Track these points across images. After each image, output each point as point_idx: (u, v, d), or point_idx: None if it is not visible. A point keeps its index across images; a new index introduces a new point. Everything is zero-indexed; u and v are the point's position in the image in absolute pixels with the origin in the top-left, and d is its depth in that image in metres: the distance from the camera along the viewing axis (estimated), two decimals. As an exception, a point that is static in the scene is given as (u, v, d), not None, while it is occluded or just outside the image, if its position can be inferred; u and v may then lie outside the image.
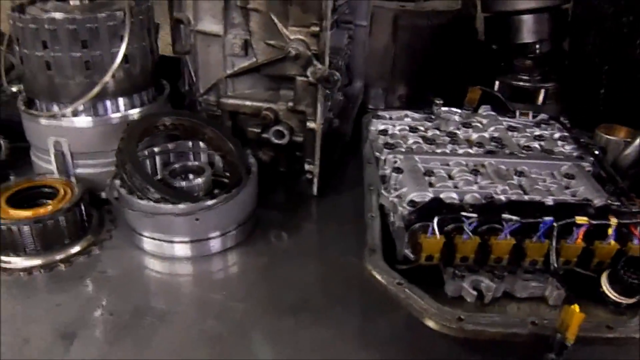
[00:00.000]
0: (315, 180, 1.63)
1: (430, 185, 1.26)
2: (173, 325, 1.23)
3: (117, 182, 1.43)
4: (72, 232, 1.44)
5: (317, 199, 1.67)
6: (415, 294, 1.10)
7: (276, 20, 1.47)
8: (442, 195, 1.21)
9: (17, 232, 1.37)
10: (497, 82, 1.97)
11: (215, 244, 1.45)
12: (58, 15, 1.43)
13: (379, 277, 1.15)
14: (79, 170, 1.59)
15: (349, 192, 1.72)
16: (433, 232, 1.11)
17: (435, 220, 1.11)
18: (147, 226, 1.42)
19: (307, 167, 1.62)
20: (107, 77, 1.45)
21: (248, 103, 1.63)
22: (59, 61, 1.46)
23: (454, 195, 1.22)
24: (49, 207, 1.42)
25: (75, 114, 1.52)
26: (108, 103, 1.56)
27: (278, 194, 1.69)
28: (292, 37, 1.47)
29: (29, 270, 1.38)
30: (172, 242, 1.43)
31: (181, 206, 1.35)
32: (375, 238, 1.25)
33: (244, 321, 1.25)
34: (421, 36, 2.01)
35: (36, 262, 1.40)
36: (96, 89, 1.46)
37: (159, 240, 1.43)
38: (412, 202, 1.20)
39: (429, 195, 1.21)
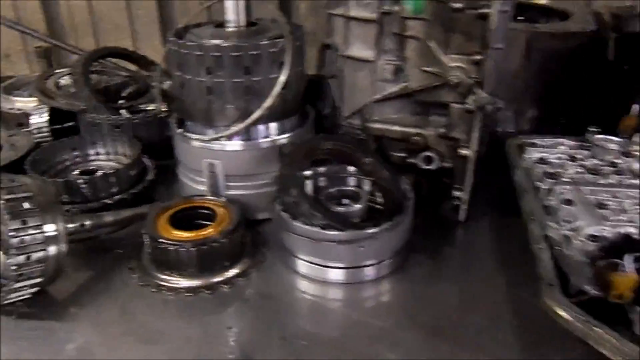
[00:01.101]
0: (464, 207, 1.61)
1: (604, 218, 1.23)
2: (345, 352, 1.24)
3: (278, 206, 1.45)
4: (231, 255, 1.47)
5: (462, 225, 1.65)
6: (607, 334, 1.07)
7: (435, 48, 1.47)
8: (622, 231, 1.18)
9: (182, 253, 1.41)
10: (637, 106, 1.90)
11: (370, 272, 1.45)
12: (223, 42, 1.47)
13: (561, 312, 1.13)
14: (230, 192, 1.62)
15: (490, 217, 1.70)
16: (625, 270, 1.09)
17: (631, 258, 1.09)
18: (305, 250, 1.43)
19: (455, 193, 1.61)
20: (268, 103, 1.47)
21: (396, 128, 1.63)
22: (221, 87, 1.50)
23: (633, 230, 1.19)
24: (211, 230, 1.45)
25: (229, 138, 1.55)
26: (261, 128, 1.58)
27: (421, 218, 1.68)
28: (451, 64, 1.46)
29: (194, 291, 1.41)
30: (327, 266, 1.44)
31: (345, 234, 1.35)
32: (549, 271, 1.23)
33: (410, 349, 1.25)
34: (555, 58, 1.97)
35: (198, 282, 1.43)
36: (256, 115, 1.48)
37: (314, 264, 1.44)
38: (593, 237, 1.17)
39: (606, 229, 1.18)
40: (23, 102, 2.15)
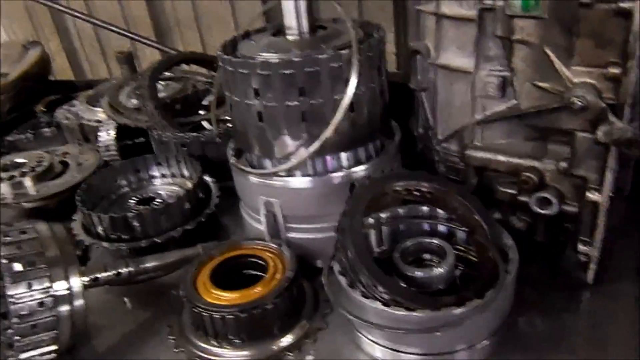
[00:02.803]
0: (593, 265, 1.19)
1: None
2: None
3: (337, 265, 1.13)
4: (284, 319, 1.19)
5: (590, 288, 1.23)
6: None
7: (553, 57, 1.05)
8: None
9: (219, 320, 1.15)
10: None
11: (459, 357, 1.09)
12: (272, 57, 1.17)
13: None
14: (291, 235, 1.33)
15: (633, 281, 1.25)
16: None
17: None
18: (367, 327, 1.11)
19: (581, 248, 1.19)
20: (329, 132, 1.16)
21: (502, 158, 1.23)
22: (272, 111, 1.20)
23: None
24: (260, 288, 1.18)
25: (289, 172, 1.26)
26: (328, 159, 1.27)
27: (534, 270, 1.27)
28: (575, 79, 1.04)
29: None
30: (398, 351, 1.10)
31: (417, 315, 1.01)
32: None
33: None
34: None
35: (240, 355, 1.17)
36: (315, 146, 1.18)
37: (384, 347, 1.11)
38: None
39: None
40: (103, 114, 2.01)
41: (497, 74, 1.17)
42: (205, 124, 1.87)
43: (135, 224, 1.40)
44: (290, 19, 1.25)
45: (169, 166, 1.66)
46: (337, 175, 1.28)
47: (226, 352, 1.18)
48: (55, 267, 1.12)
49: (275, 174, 1.27)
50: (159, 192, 1.62)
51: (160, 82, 1.95)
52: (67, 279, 1.12)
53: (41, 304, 1.08)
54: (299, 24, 1.25)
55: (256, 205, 1.34)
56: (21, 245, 1.11)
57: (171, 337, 1.24)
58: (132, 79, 2.04)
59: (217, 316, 1.15)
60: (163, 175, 1.67)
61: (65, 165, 1.78)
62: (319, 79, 1.16)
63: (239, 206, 1.52)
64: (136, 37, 2.38)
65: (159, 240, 1.41)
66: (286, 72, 1.15)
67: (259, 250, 1.29)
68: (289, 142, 1.24)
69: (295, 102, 1.18)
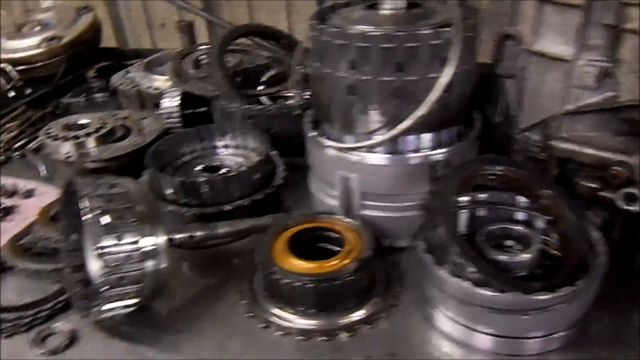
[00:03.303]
0: (676, 269, 1.18)
1: None
2: None
3: (421, 244, 1.13)
4: (359, 294, 1.19)
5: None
6: None
7: (665, 49, 1.04)
8: None
9: (299, 289, 1.15)
10: None
11: (533, 346, 1.09)
12: (372, 30, 1.16)
13: None
14: (365, 212, 1.33)
15: None
16: None
17: None
18: (450, 305, 1.11)
19: (667, 248, 1.18)
20: (423, 110, 1.14)
21: (589, 151, 1.22)
22: (365, 86, 1.19)
23: None
24: (337, 261, 1.18)
25: (371, 149, 1.25)
26: (411, 139, 1.26)
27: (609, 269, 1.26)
28: (687, 74, 1.02)
29: (308, 334, 1.15)
30: (475, 330, 1.10)
31: (507, 297, 1.00)
32: None
33: None
34: None
35: (314, 323, 1.17)
36: (406, 124, 1.16)
37: (459, 324, 1.11)
38: None
39: None
40: (162, 82, 2.01)
41: (597, 64, 1.16)
42: (263, 99, 1.86)
43: (206, 190, 1.40)
44: (387, -6, 1.24)
45: (233, 137, 1.65)
46: (417, 156, 1.27)
47: (299, 319, 1.17)
48: (144, 222, 1.11)
49: (358, 149, 1.26)
50: (224, 161, 1.61)
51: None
52: (154, 235, 1.11)
53: (129, 257, 1.08)
54: (396, -1, 1.24)
55: (331, 180, 1.34)
56: (111, 198, 1.10)
57: (244, 301, 1.23)
58: (195, 49, 2.03)
59: (297, 284, 1.14)
60: (226, 146, 1.66)
61: (127, 129, 1.78)
62: (418, 55, 1.15)
63: (298, 182, 1.51)
64: (189, 7, 2.34)
65: (228, 208, 1.40)
66: (386, 45, 1.14)
67: (336, 224, 1.28)
68: (377, 118, 1.23)
69: (391, 78, 1.17)
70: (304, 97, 1.68)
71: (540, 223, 1.23)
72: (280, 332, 1.16)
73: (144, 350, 1.16)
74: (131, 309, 1.14)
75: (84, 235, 1.27)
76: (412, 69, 1.16)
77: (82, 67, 2.48)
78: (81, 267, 1.29)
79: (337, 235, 1.26)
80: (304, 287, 1.14)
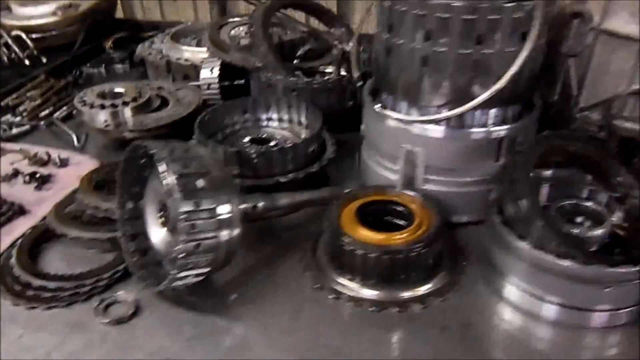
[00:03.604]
0: None
1: None
2: None
3: (496, 216, 1.13)
4: (428, 267, 1.19)
5: None
6: None
7: None
8: None
9: (372, 259, 1.14)
10: None
11: (601, 318, 1.10)
12: (453, 1, 1.14)
13: None
14: (427, 186, 1.33)
15: None
16: None
17: None
18: (521, 275, 1.12)
19: None
20: (501, 84, 1.14)
21: (655, 130, 1.24)
22: (441, 58, 1.18)
23: None
24: (407, 234, 1.17)
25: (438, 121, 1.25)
26: (477, 114, 1.25)
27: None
28: None
29: (379, 306, 1.15)
30: (543, 300, 1.11)
31: (590, 269, 1.01)
32: None
33: None
34: None
35: (383, 295, 1.17)
36: (482, 98, 1.16)
37: (528, 293, 1.12)
38: None
39: None
40: (191, 53, 1.96)
41: (669, 43, 1.17)
42: (298, 73, 1.84)
43: (261, 161, 1.37)
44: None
45: (278, 110, 1.62)
46: (482, 131, 1.27)
47: (369, 291, 1.17)
48: (220, 189, 1.09)
49: (428, 123, 1.25)
50: (271, 134, 1.59)
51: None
52: (229, 202, 1.09)
53: (207, 224, 1.05)
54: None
55: (392, 153, 1.33)
56: (188, 163, 1.07)
57: (308, 272, 1.23)
58: (227, 20, 1.99)
59: (371, 255, 1.13)
60: (270, 119, 1.64)
61: (163, 99, 1.74)
62: (499, 28, 1.14)
63: (341, 158, 1.50)
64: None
65: (283, 180, 1.38)
66: (468, 17, 1.13)
67: (404, 198, 1.28)
68: (447, 91, 1.23)
69: (469, 50, 1.16)
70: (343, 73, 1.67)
71: (607, 200, 1.24)
72: (351, 303, 1.16)
73: (214, 320, 1.14)
74: (201, 278, 1.11)
75: (145, 202, 1.24)
76: (490, 42, 1.15)
77: (97, 37, 2.41)
78: (136, 236, 1.25)
79: (403, 209, 1.25)
80: (378, 259, 1.13)
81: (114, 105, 1.63)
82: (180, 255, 1.03)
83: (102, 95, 1.69)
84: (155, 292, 1.17)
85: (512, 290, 1.16)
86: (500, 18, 1.13)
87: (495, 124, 1.28)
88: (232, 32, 1.94)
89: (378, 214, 1.27)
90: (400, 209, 1.26)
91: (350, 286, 1.18)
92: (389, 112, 1.30)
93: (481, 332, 1.10)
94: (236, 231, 1.11)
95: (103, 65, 2.25)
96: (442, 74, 1.20)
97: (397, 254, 1.13)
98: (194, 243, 1.04)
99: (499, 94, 1.16)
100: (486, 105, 1.22)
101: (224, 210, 1.08)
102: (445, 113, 1.21)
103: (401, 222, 1.26)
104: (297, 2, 1.88)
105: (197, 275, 1.10)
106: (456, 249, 1.28)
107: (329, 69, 1.81)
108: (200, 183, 1.06)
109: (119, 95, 1.70)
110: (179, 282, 1.10)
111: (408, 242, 1.15)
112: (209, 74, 1.73)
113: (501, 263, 1.16)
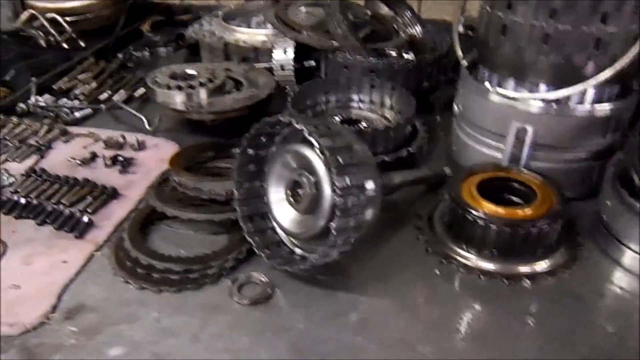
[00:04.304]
0: None
1: None
2: None
3: (623, 190, 1.17)
4: (546, 244, 1.21)
5: None
6: None
7: None
8: None
9: (493, 231, 1.16)
10: None
11: None
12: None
13: None
14: (533, 163, 1.35)
15: None
16: None
17: None
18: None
19: None
20: (624, 63, 1.17)
21: None
22: (564, 36, 1.21)
23: None
24: (527, 211, 1.19)
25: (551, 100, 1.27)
26: (589, 92, 1.28)
27: None
28: None
29: (490, 275, 1.18)
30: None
31: None
32: None
33: None
34: None
35: (496, 267, 1.19)
36: (604, 75, 1.19)
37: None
38: None
39: None
40: (247, 35, 1.93)
41: None
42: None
43: (368, 140, 1.37)
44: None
45: (359, 91, 1.62)
46: (582, 110, 1.29)
47: (481, 261, 1.20)
48: (364, 165, 1.08)
49: (545, 101, 1.27)
50: (360, 115, 1.59)
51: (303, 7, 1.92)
52: (374, 179, 1.09)
53: (357, 200, 1.04)
54: None
55: (496, 130, 1.35)
56: (334, 138, 1.06)
57: (423, 237, 1.26)
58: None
59: (490, 225, 1.16)
60: (360, 100, 1.64)
61: (235, 81, 1.71)
62: (624, 7, 1.17)
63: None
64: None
65: (388, 159, 1.39)
66: (599, -6, 1.15)
67: (523, 177, 1.29)
68: (564, 69, 1.25)
69: (593, 28, 1.19)
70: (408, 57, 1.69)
71: None
72: (462, 269, 1.19)
73: (345, 297, 1.15)
74: (341, 256, 1.11)
75: (267, 181, 1.22)
76: (615, 20, 1.18)
77: (132, 20, 2.35)
78: (252, 217, 1.24)
79: (523, 187, 1.27)
80: (500, 231, 1.15)
81: (191, 87, 1.59)
82: (336, 233, 1.03)
83: (174, 77, 1.65)
84: (289, 272, 1.16)
85: (630, 255, 1.20)
86: (628, -3, 1.15)
87: (602, 102, 1.30)
88: (292, 12, 1.91)
89: (497, 190, 1.28)
90: (519, 186, 1.28)
91: (464, 254, 1.22)
92: (498, 89, 1.32)
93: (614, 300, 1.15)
94: (377, 210, 1.11)
95: (147, 48, 2.19)
96: (563, 52, 1.22)
97: (521, 229, 1.15)
98: (345, 220, 1.03)
99: (617, 72, 1.19)
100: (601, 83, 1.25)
101: (370, 186, 1.08)
102: (558, 92, 1.23)
103: (518, 200, 1.27)
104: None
105: (340, 253, 1.10)
106: (568, 225, 1.30)
107: (392, 52, 1.81)
108: (346, 159, 1.05)
109: (192, 77, 1.66)
110: (322, 260, 1.09)
111: (534, 217, 1.17)
112: (283, 55, 1.71)
113: (619, 224, 1.20)
